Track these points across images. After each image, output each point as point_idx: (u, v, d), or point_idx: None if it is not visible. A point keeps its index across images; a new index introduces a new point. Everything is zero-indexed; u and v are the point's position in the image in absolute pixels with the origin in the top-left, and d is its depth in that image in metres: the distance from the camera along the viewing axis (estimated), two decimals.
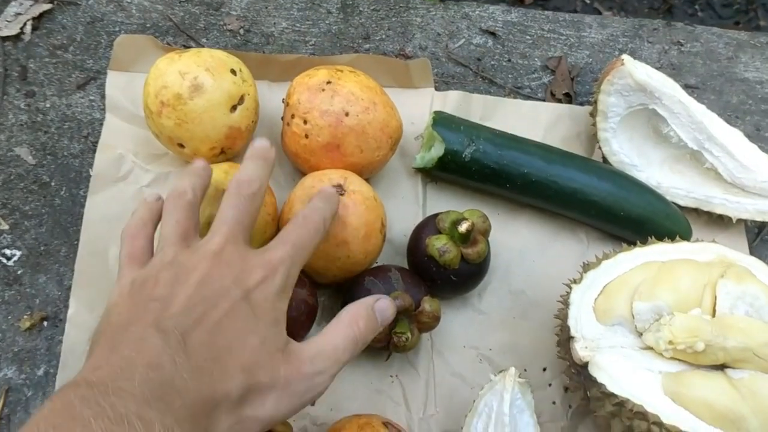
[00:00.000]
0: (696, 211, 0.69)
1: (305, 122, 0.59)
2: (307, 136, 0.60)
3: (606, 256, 0.57)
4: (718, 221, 0.69)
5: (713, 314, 0.53)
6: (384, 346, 0.56)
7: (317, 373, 0.42)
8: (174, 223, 0.46)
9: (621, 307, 0.53)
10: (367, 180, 0.62)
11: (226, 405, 0.38)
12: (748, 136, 0.68)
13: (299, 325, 0.56)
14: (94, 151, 0.65)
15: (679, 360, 0.52)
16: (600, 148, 0.68)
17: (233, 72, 0.60)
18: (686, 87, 0.76)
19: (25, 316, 0.59)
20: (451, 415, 0.59)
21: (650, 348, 0.52)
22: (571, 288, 0.55)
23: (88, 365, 0.38)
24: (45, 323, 0.59)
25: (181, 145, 0.60)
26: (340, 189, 0.57)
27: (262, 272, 0.43)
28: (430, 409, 0.59)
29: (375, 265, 0.61)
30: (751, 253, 0.68)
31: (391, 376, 0.60)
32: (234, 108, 0.60)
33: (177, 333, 0.37)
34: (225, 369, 0.39)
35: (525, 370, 0.61)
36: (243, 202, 0.46)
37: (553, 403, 0.61)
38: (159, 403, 0.34)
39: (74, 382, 0.35)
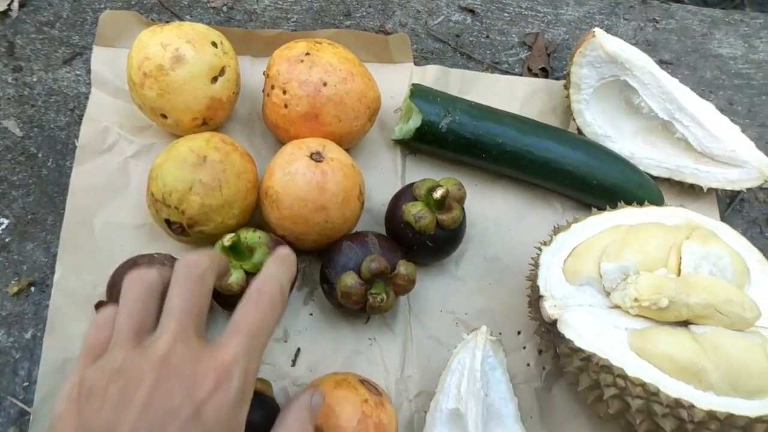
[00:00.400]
0: (668, 181, 0.71)
1: (284, 92, 0.61)
2: (286, 106, 0.61)
3: (576, 220, 0.59)
4: (690, 191, 0.71)
5: (678, 274, 0.54)
6: (361, 308, 0.58)
7: None
8: (127, 316, 0.40)
9: (589, 267, 0.55)
10: (347, 151, 0.63)
11: None
12: (721, 109, 0.70)
13: None
14: (80, 124, 0.66)
15: (644, 317, 0.53)
16: (574, 120, 0.70)
17: (214, 44, 0.62)
18: (661, 63, 0.78)
19: (13, 282, 0.61)
20: (428, 376, 0.61)
21: (617, 306, 0.54)
22: (541, 250, 0.57)
23: None
24: (32, 288, 0.61)
25: (164, 116, 0.62)
26: (318, 156, 0.58)
27: (214, 378, 0.37)
28: (407, 371, 0.61)
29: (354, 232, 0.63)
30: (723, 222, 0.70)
31: (370, 338, 0.62)
32: (215, 79, 0.62)
33: None
34: None
35: (500, 333, 0.63)
36: (191, 287, 0.40)
37: (528, 365, 0.63)
38: None
39: None
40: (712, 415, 0.48)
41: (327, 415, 0.51)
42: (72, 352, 0.58)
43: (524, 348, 0.63)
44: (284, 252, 0.46)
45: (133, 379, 0.36)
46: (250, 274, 0.56)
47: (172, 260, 0.57)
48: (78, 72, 0.70)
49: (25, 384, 0.58)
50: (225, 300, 0.57)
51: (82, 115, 0.67)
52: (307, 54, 0.62)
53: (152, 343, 0.38)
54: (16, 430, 0.57)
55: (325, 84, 0.61)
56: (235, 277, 0.55)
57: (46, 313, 0.59)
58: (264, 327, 0.41)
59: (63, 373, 0.57)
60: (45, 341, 0.58)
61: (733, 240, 0.58)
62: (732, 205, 0.73)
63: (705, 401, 0.49)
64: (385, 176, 0.69)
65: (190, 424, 0.36)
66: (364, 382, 0.54)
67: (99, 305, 0.56)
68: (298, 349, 0.61)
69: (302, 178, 0.57)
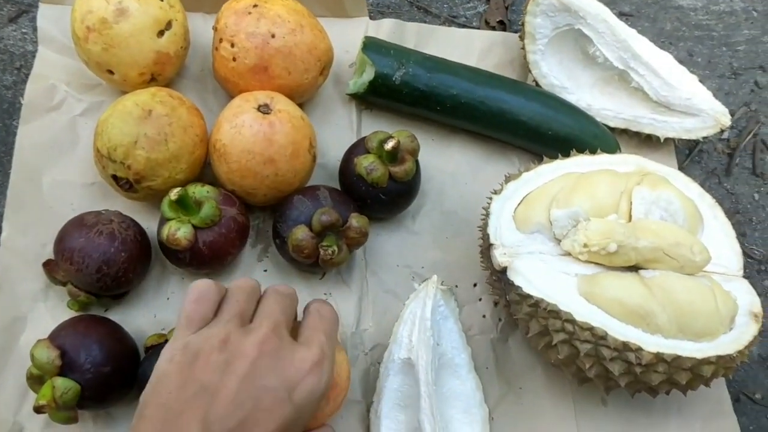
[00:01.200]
0: (626, 132, 0.70)
1: (232, 45, 0.60)
2: (234, 59, 0.60)
3: (527, 169, 0.58)
4: (648, 142, 0.71)
5: (629, 220, 0.54)
6: (314, 262, 0.57)
7: None
8: (236, 302, 0.46)
9: (540, 215, 0.55)
10: (300, 106, 0.62)
11: None
12: (681, 61, 0.70)
13: (230, 243, 0.57)
14: (27, 83, 0.65)
15: (594, 263, 0.53)
16: (531, 72, 0.69)
17: None
18: (621, 15, 0.77)
19: None
20: (384, 329, 0.61)
21: (568, 253, 0.54)
22: (492, 199, 0.57)
23: None
24: None
25: (111, 72, 0.61)
26: (266, 108, 0.58)
27: (309, 368, 0.43)
28: (363, 324, 0.61)
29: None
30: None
31: (325, 293, 0.62)
32: (161, 33, 0.60)
33: None
34: None
35: (456, 286, 0.63)
36: (283, 299, 0.47)
37: (483, 316, 0.63)
38: None
39: None
40: (659, 358, 0.48)
41: None
42: (20, 311, 0.57)
43: (480, 300, 0.63)
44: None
45: (237, 353, 0.42)
46: (198, 229, 0.55)
47: (120, 216, 0.56)
48: (24, 30, 0.69)
49: None
50: (172, 254, 0.56)
51: (29, 74, 0.65)
52: (255, 6, 0.60)
53: (253, 329, 0.44)
54: None
55: (273, 36, 0.60)
56: (183, 231, 0.54)
57: None
58: (334, 333, 0.48)
59: (11, 332, 0.56)
60: None
61: (685, 186, 0.57)
62: (690, 156, 0.73)
63: (653, 344, 0.49)
64: (341, 131, 0.68)
65: (282, 402, 0.41)
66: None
67: (47, 264, 0.55)
68: None
69: (249, 130, 0.56)
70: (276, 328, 0.44)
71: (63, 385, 0.49)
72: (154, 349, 0.54)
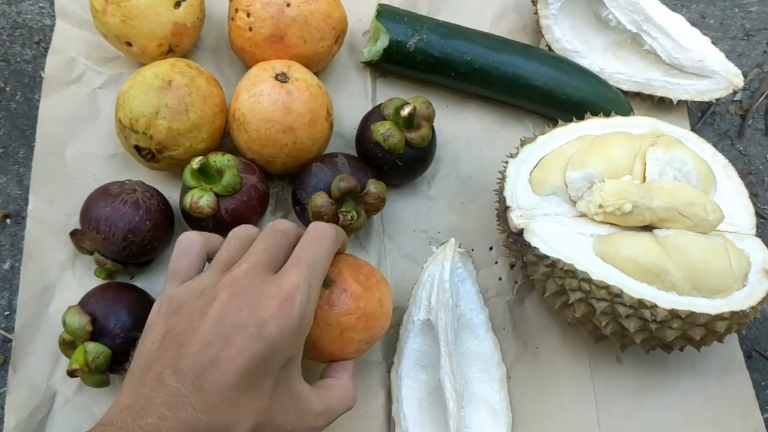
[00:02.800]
0: (639, 96, 0.71)
1: (248, 15, 0.61)
2: (250, 29, 0.61)
3: (542, 132, 0.59)
4: (661, 105, 0.71)
5: (643, 181, 0.55)
6: None
7: (318, 428, 0.46)
8: (225, 251, 0.47)
9: (555, 177, 0.56)
10: (316, 74, 0.63)
11: None
12: (693, 23, 0.70)
13: (251, 210, 0.58)
14: (47, 56, 0.66)
15: (609, 224, 0.54)
16: (544, 36, 0.69)
17: None
18: None
19: None
20: (402, 293, 0.62)
21: (583, 215, 0.55)
22: (508, 162, 0.58)
23: (117, 401, 0.40)
24: (8, 221, 0.62)
25: (129, 44, 0.61)
26: (284, 77, 0.58)
27: (277, 303, 0.42)
28: None
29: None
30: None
31: None
32: (178, 4, 0.61)
33: (192, 374, 0.39)
34: (238, 408, 0.40)
35: (472, 249, 0.64)
36: (272, 236, 0.47)
37: (500, 279, 0.64)
38: None
39: (104, 422, 0.38)
40: (674, 314, 0.49)
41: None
42: (49, 280, 0.59)
43: (496, 263, 0.64)
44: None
45: (210, 297, 0.42)
46: (220, 197, 0.56)
47: (143, 186, 0.58)
48: (42, 4, 0.70)
49: (6, 313, 0.60)
50: (195, 222, 0.57)
51: (48, 48, 0.66)
52: None
53: (231, 272, 0.44)
54: (0, 357, 0.59)
55: (288, 5, 0.60)
56: (205, 199, 0.55)
57: (23, 244, 0.60)
58: (321, 260, 0.46)
59: (42, 301, 0.58)
60: (23, 271, 0.59)
61: (698, 146, 0.58)
62: (703, 118, 0.73)
63: (668, 301, 0.50)
64: (356, 99, 0.69)
65: (253, 338, 0.40)
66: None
67: (74, 233, 0.57)
68: None
69: (267, 98, 0.57)
70: (253, 266, 0.44)
71: (95, 349, 0.51)
72: None
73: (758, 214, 0.69)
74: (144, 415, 0.37)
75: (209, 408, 0.38)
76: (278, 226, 0.48)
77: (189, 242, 0.47)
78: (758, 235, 0.57)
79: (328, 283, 0.50)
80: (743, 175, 0.65)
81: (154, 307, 0.45)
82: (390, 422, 0.58)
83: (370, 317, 0.51)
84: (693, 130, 0.72)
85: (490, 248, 0.65)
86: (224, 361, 0.39)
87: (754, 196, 0.70)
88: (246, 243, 0.47)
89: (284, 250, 0.47)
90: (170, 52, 0.63)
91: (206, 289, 0.43)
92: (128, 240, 0.55)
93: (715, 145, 0.64)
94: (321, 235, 0.47)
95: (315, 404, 0.45)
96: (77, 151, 0.63)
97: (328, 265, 0.47)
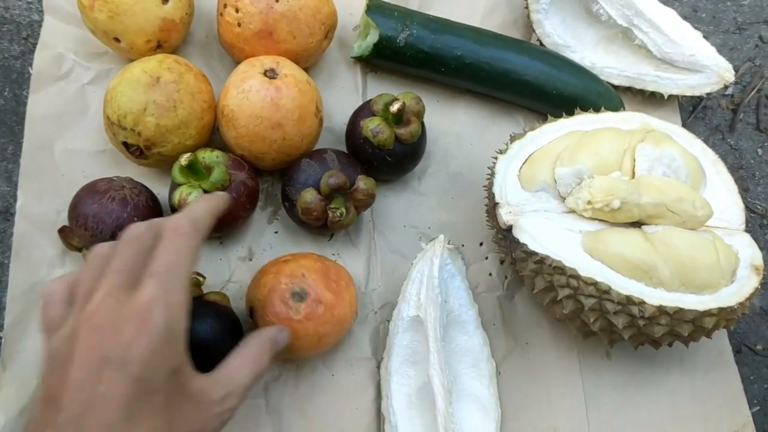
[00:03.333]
0: (630, 90, 0.71)
1: (237, 11, 0.60)
2: (239, 25, 0.61)
3: (532, 128, 0.59)
4: (652, 99, 0.71)
5: (633, 177, 0.55)
6: (323, 225, 0.59)
7: (229, 410, 0.44)
8: (82, 281, 0.42)
9: (544, 173, 0.56)
10: (306, 70, 0.63)
11: None
12: (685, 17, 0.70)
13: (240, 206, 0.58)
14: (35, 52, 0.65)
15: (598, 220, 0.54)
16: (535, 32, 0.69)
17: None
18: None
19: None
20: (392, 289, 0.62)
21: (572, 211, 0.55)
22: (497, 158, 0.57)
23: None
24: None
25: (117, 40, 0.61)
26: (272, 73, 0.58)
27: (134, 325, 0.39)
28: (372, 284, 0.63)
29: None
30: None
31: (334, 254, 0.63)
32: (166, 0, 0.61)
33: (72, 425, 0.36)
34: None
35: (462, 245, 0.64)
36: (127, 249, 0.42)
37: (490, 274, 0.64)
38: None
39: None
40: (662, 310, 0.49)
41: None
42: (38, 276, 0.59)
43: (486, 258, 0.64)
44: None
45: (72, 341, 0.39)
46: (208, 193, 0.56)
47: (131, 182, 0.57)
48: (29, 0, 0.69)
49: None
50: None
51: (36, 44, 0.66)
52: None
53: (86, 304, 0.40)
54: None
55: (277, 0, 0.60)
56: (194, 195, 0.55)
57: (11, 241, 0.60)
58: (179, 261, 0.42)
59: (31, 298, 0.58)
60: (11, 268, 0.59)
61: (688, 142, 0.58)
62: (694, 113, 0.73)
63: (656, 297, 0.50)
64: (346, 95, 0.69)
65: (122, 368, 0.37)
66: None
67: (62, 230, 0.57)
68: None
69: (256, 95, 0.57)
70: (108, 292, 0.40)
71: None
72: None
73: (748, 209, 0.70)
74: None
75: None
76: (131, 233, 0.43)
77: (49, 293, 0.43)
78: (748, 230, 0.57)
79: (302, 296, 0.52)
80: (734, 169, 0.65)
81: (43, 364, 0.41)
82: (380, 418, 0.58)
83: (343, 321, 0.55)
84: (684, 124, 0.72)
85: (480, 244, 0.65)
86: (99, 400, 0.37)
87: (744, 190, 0.70)
88: (101, 266, 0.42)
89: (141, 259, 0.42)
90: (159, 48, 0.63)
91: (70, 333, 0.40)
92: (116, 237, 0.54)
93: (706, 140, 0.64)
94: (174, 234, 0.43)
95: (216, 391, 0.43)
96: (66, 148, 0.63)
97: (189, 263, 0.43)
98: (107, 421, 0.36)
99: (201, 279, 0.56)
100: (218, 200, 0.50)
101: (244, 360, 0.46)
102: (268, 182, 0.65)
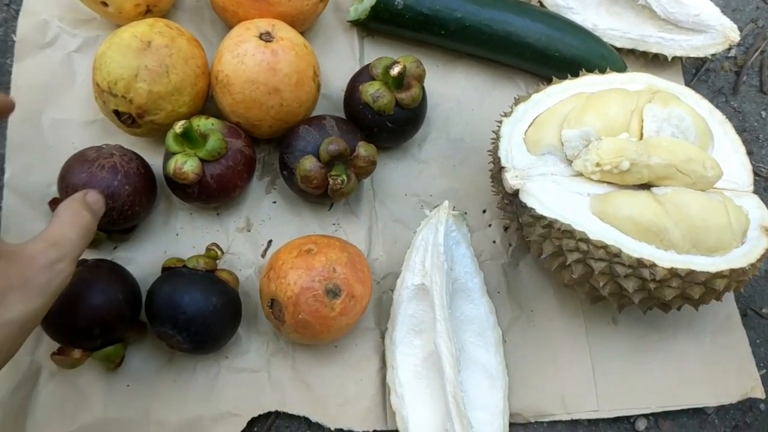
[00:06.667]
0: (633, 53, 0.69)
1: None
2: None
3: (536, 90, 0.57)
4: (655, 61, 0.70)
5: (641, 138, 0.54)
6: (323, 193, 0.57)
7: (56, 261, 0.41)
8: None
9: (550, 135, 0.54)
10: (301, 34, 0.61)
11: None
12: None
13: (237, 175, 0.56)
14: (18, 19, 0.63)
15: (606, 182, 0.53)
16: None
17: None
18: None
19: None
20: (394, 258, 0.61)
21: (580, 174, 0.54)
22: (502, 122, 0.56)
23: None
24: None
25: (105, 4, 0.59)
26: (268, 36, 0.56)
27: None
28: (374, 254, 0.61)
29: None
30: None
31: (334, 224, 0.62)
32: None
33: None
34: None
35: (465, 213, 0.63)
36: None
37: (494, 242, 0.63)
38: None
39: None
40: (673, 273, 0.48)
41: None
42: None
43: (490, 226, 0.63)
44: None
45: None
46: (204, 162, 0.54)
47: (121, 150, 0.55)
48: None
49: None
50: (180, 189, 0.56)
51: (20, 10, 0.63)
52: None
53: None
54: None
55: None
56: (189, 164, 0.53)
57: (1, 215, 0.58)
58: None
59: None
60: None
61: (695, 102, 0.57)
62: (698, 75, 0.72)
63: (667, 259, 0.49)
64: (343, 60, 0.67)
65: None
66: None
67: (53, 203, 0.55)
68: (270, 241, 0.60)
69: (252, 59, 0.55)
70: None
71: None
72: (170, 271, 0.53)
73: (753, 172, 0.69)
74: None
75: None
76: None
77: None
78: (754, 192, 0.56)
79: (336, 293, 0.51)
80: (738, 132, 0.64)
81: None
82: (385, 388, 0.57)
83: (366, 305, 0.55)
84: (687, 86, 0.70)
85: (484, 211, 0.64)
86: None
87: (749, 153, 0.69)
88: None
89: None
90: (148, 12, 0.61)
91: None
92: (108, 206, 0.52)
93: (709, 102, 0.63)
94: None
95: (34, 247, 0.41)
96: (54, 118, 0.61)
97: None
98: None
99: (219, 253, 0.55)
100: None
101: (61, 219, 0.44)
102: (264, 151, 0.63)
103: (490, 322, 0.58)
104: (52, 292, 0.40)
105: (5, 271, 0.38)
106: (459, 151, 0.65)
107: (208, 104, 0.61)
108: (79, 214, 0.44)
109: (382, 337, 0.58)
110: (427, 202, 0.63)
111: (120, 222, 0.54)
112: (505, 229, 0.63)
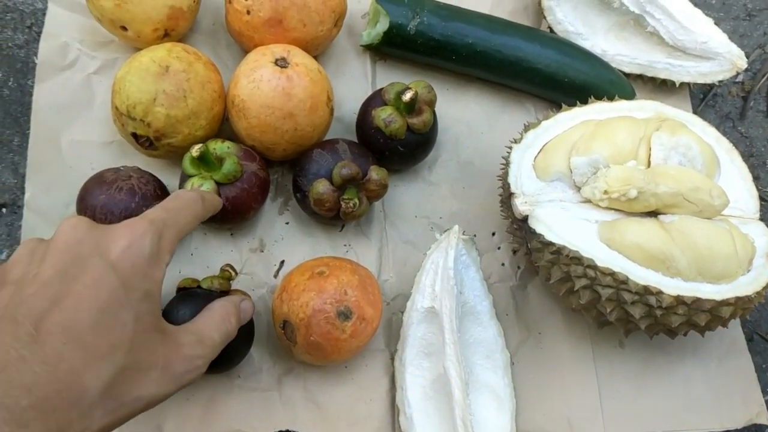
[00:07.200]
0: (641, 78, 0.70)
1: None
2: (248, 12, 0.60)
3: (546, 117, 0.58)
4: (663, 87, 0.70)
5: (648, 166, 0.55)
6: (335, 216, 0.58)
7: (197, 357, 0.42)
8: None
9: (559, 162, 0.55)
10: (314, 58, 0.62)
11: (97, 390, 0.34)
12: (695, 3, 0.69)
13: (252, 198, 0.57)
14: (39, 41, 0.64)
15: (614, 210, 0.54)
16: (545, 19, 0.69)
17: None
18: None
19: None
20: (404, 279, 0.62)
21: (588, 200, 0.55)
22: (511, 148, 0.57)
23: None
24: (3, 210, 0.61)
25: (124, 28, 0.60)
26: (283, 62, 0.57)
27: (126, 237, 0.38)
28: (384, 275, 0.62)
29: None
30: None
31: (345, 245, 0.63)
32: None
33: (28, 322, 0.33)
34: (89, 350, 0.34)
35: (474, 235, 0.64)
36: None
37: (502, 264, 0.64)
38: (1, 410, 0.31)
39: None
40: (679, 300, 0.49)
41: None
42: None
43: (498, 248, 0.64)
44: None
45: (46, 243, 0.38)
46: (220, 185, 0.55)
47: (138, 172, 0.57)
48: None
49: None
50: None
51: (41, 32, 0.65)
52: None
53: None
54: None
55: None
56: (206, 187, 0.55)
57: (20, 234, 0.59)
58: (180, 209, 0.44)
59: None
60: None
61: (702, 130, 0.58)
62: (705, 100, 0.72)
63: (673, 287, 0.49)
64: (356, 84, 0.68)
65: (104, 274, 0.36)
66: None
67: None
68: (282, 262, 0.61)
69: (267, 84, 0.56)
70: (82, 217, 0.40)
71: None
72: (185, 291, 0.54)
73: (759, 197, 0.69)
74: None
75: (50, 356, 0.33)
76: None
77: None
78: (761, 218, 0.56)
79: (347, 315, 0.52)
80: (745, 157, 0.65)
81: None
82: (394, 409, 0.57)
83: (377, 327, 0.55)
84: (695, 112, 0.71)
85: (493, 234, 0.65)
86: (68, 298, 0.34)
87: (755, 178, 0.70)
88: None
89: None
90: (166, 36, 0.62)
91: (36, 240, 0.39)
92: None
93: (716, 128, 0.63)
94: (184, 194, 0.46)
95: (184, 336, 0.42)
96: (73, 139, 0.62)
97: (186, 223, 0.44)
98: (69, 322, 0.34)
99: (233, 273, 0.55)
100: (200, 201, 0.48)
101: (213, 318, 0.46)
102: (278, 172, 0.64)
103: (498, 344, 0.59)
104: (182, 384, 0.41)
105: (156, 348, 0.39)
106: (469, 173, 0.66)
107: (223, 126, 0.62)
108: (228, 320, 0.46)
109: (392, 359, 0.59)
110: (437, 224, 0.64)
111: None
112: (514, 252, 0.64)
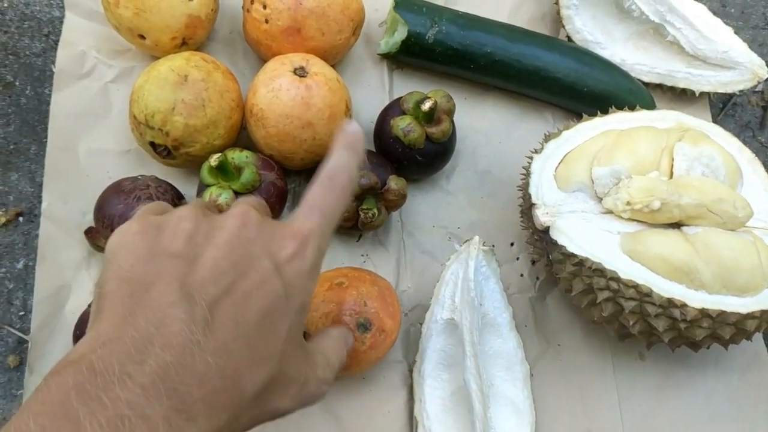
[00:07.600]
0: (660, 87, 0.69)
1: (264, 7, 0.59)
2: (267, 21, 0.59)
3: (567, 127, 0.58)
4: (683, 96, 0.70)
5: (671, 176, 0.54)
6: (353, 226, 0.58)
7: (326, 381, 0.40)
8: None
9: (581, 173, 0.55)
10: (332, 67, 0.62)
11: (252, 394, 0.33)
12: (714, 12, 0.69)
13: (270, 207, 0.56)
14: (56, 49, 0.64)
15: (637, 221, 0.53)
16: (564, 27, 0.68)
17: None
18: None
19: (0, 213, 0.60)
20: (423, 290, 0.61)
21: (610, 211, 0.54)
22: (532, 158, 0.56)
23: (95, 333, 0.30)
24: (20, 219, 0.61)
25: (142, 37, 0.60)
26: (302, 71, 0.57)
27: (294, 245, 0.36)
28: (402, 286, 0.62)
29: None
30: None
31: (363, 255, 0.62)
32: None
33: (204, 303, 0.31)
34: (253, 353, 0.33)
35: (493, 245, 0.63)
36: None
37: (521, 275, 0.63)
38: (172, 397, 0.28)
39: (76, 361, 0.28)
40: (704, 313, 0.48)
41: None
42: (64, 280, 0.58)
43: (517, 259, 0.63)
44: (352, 129, 0.43)
45: (212, 225, 0.36)
46: (238, 194, 0.55)
47: (156, 181, 0.56)
48: None
49: (21, 313, 0.59)
50: None
51: (58, 41, 0.65)
52: None
53: (232, 208, 0.38)
54: (16, 358, 0.58)
55: None
56: (224, 197, 0.54)
57: (37, 243, 0.59)
58: (335, 211, 0.39)
59: (57, 301, 0.57)
60: (37, 270, 0.58)
61: (725, 140, 0.57)
62: (725, 110, 0.72)
63: (697, 300, 0.49)
64: (373, 92, 0.68)
65: (272, 277, 0.34)
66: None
67: (89, 231, 0.56)
68: None
69: (286, 94, 0.56)
70: (251, 207, 0.38)
71: None
72: None
73: None
74: (136, 359, 0.28)
75: (220, 349, 0.31)
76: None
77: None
78: None
79: (367, 327, 0.52)
80: (766, 167, 0.64)
81: (119, 232, 0.35)
82: (412, 421, 0.57)
83: (396, 338, 0.55)
84: (714, 121, 0.71)
85: (511, 244, 0.64)
86: (241, 294, 0.33)
87: None
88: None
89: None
90: (183, 45, 0.62)
91: (201, 218, 0.36)
92: None
93: (736, 137, 0.63)
94: (336, 183, 0.40)
95: (319, 358, 0.40)
96: (90, 147, 0.62)
97: (339, 217, 0.40)
98: (242, 319, 0.32)
99: None
100: (360, 148, 0.43)
101: (333, 345, 0.43)
102: (295, 182, 0.64)
103: (518, 356, 0.58)
104: (308, 404, 0.39)
105: (299, 364, 0.37)
106: (487, 183, 0.66)
107: (240, 135, 0.62)
108: (343, 349, 0.44)
109: (410, 370, 0.58)
110: (455, 234, 0.64)
111: None
112: (533, 262, 0.63)
